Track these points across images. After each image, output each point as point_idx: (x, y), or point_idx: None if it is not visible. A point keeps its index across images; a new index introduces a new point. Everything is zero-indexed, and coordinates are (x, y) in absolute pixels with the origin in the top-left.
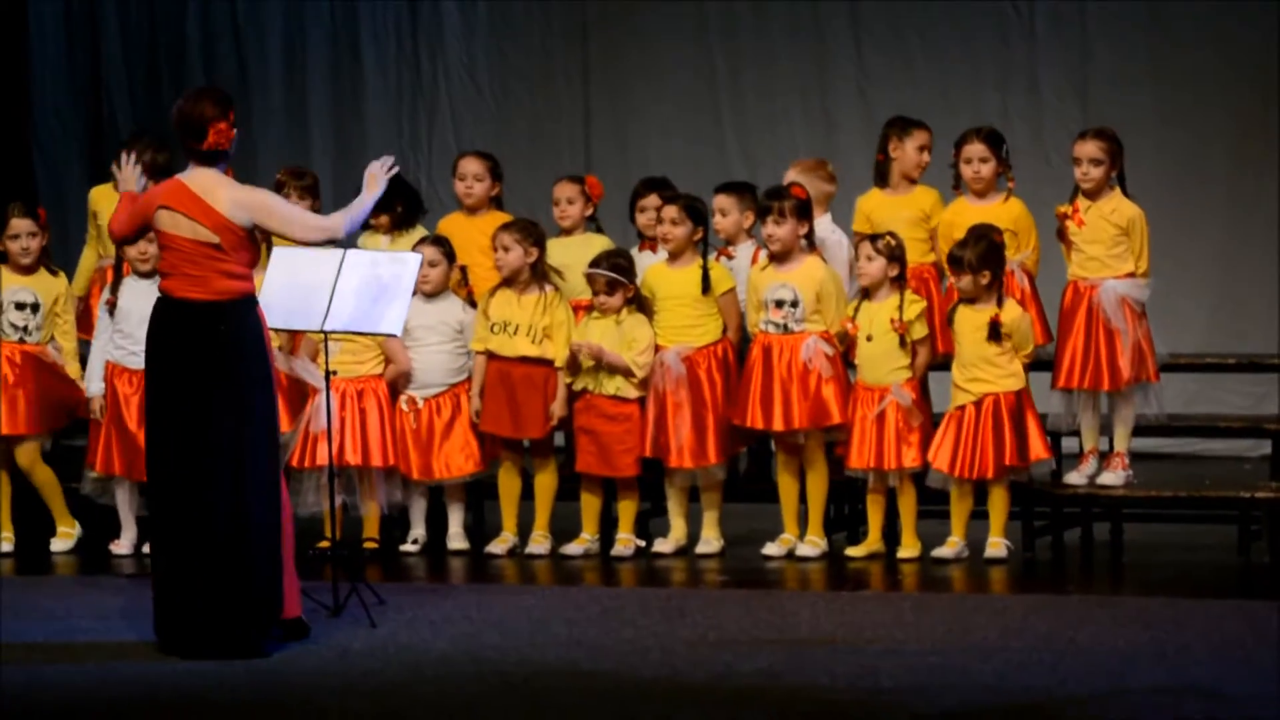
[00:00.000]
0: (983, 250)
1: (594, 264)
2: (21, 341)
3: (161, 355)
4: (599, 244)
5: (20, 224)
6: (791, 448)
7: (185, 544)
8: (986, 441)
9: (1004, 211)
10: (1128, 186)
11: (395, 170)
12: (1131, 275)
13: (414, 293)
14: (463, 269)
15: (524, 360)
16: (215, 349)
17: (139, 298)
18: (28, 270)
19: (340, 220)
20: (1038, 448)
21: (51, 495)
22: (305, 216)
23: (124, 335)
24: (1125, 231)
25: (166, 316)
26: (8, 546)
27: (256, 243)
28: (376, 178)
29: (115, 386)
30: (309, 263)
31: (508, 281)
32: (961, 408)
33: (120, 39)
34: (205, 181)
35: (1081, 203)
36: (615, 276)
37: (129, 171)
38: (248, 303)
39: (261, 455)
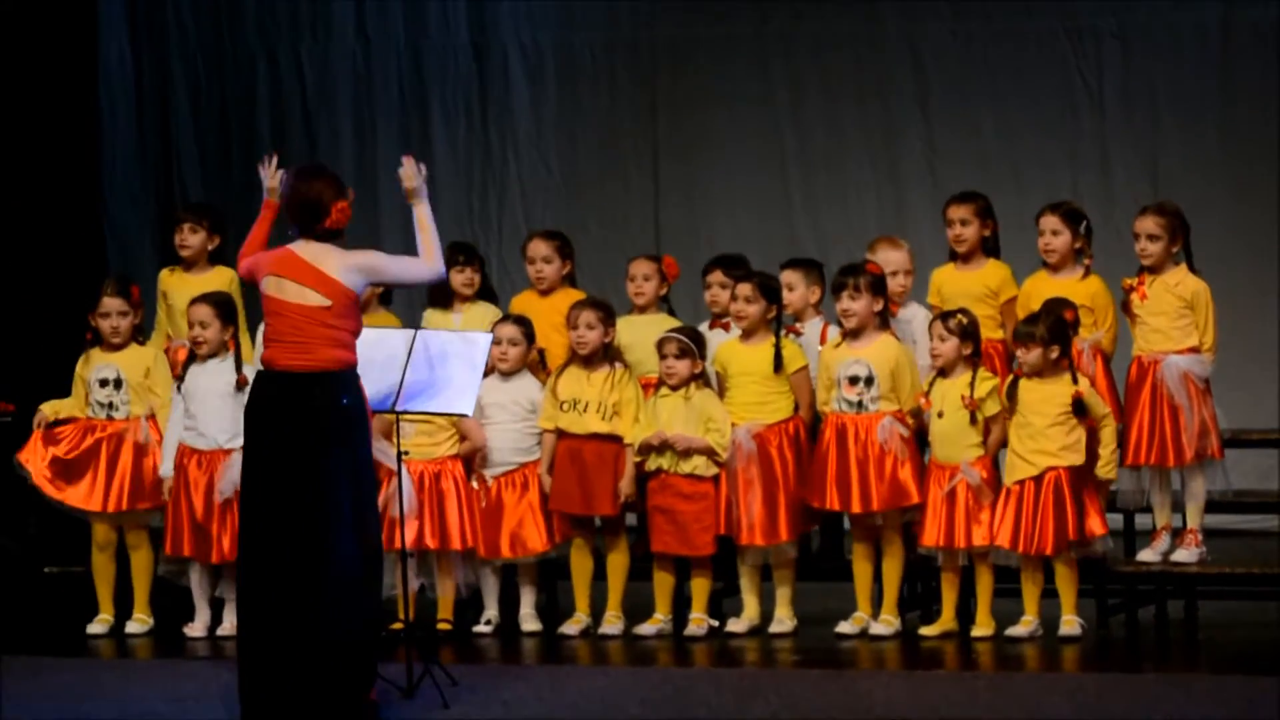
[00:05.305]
0: (1052, 324)
1: (669, 330)
2: (109, 418)
3: (262, 428)
4: (670, 325)
5: (112, 303)
6: (866, 527)
7: (276, 624)
8: (1047, 516)
9: (1082, 287)
10: (1195, 261)
11: (425, 171)
12: (1195, 350)
13: (490, 371)
14: (540, 352)
15: (595, 437)
16: (320, 418)
17: (204, 379)
18: (116, 348)
19: (433, 254)
20: (1095, 524)
21: (141, 580)
22: (413, 263)
23: (190, 417)
24: (1189, 305)
25: (267, 389)
26: (102, 628)
27: (360, 313)
28: (415, 189)
29: (185, 468)
30: (380, 343)
31: (582, 360)
32: (1021, 483)
33: (192, 122)
34: (315, 251)
35: (1148, 276)
36: (688, 343)
37: (273, 179)
38: (352, 374)
39: (363, 532)
